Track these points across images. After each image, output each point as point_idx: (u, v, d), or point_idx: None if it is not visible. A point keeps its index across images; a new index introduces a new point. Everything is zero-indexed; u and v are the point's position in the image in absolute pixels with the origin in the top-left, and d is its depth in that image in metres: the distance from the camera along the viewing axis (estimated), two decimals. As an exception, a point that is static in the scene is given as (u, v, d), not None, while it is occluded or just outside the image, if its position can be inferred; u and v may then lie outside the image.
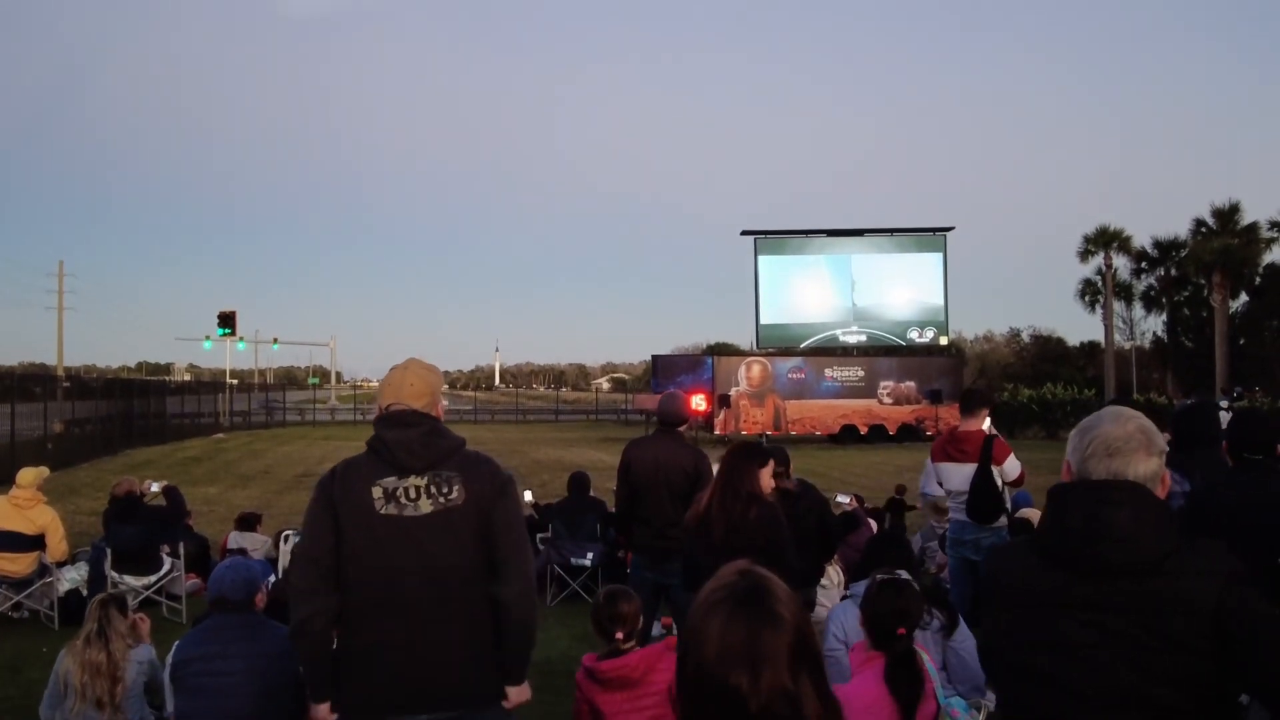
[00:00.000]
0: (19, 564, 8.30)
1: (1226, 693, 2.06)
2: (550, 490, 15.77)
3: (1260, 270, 49.27)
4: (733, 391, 35.68)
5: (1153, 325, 56.73)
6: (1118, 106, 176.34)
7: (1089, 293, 52.12)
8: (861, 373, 37.15)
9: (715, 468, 5.04)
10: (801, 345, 39.29)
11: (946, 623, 4.17)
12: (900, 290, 39.75)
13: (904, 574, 3.74)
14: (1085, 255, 50.67)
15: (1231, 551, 2.14)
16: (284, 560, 8.59)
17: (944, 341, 40.98)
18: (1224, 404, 28.31)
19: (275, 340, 69.48)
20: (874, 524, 10.02)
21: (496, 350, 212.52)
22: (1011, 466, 6.39)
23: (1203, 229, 49.95)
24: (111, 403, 30.60)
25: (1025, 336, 65.20)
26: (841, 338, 39.67)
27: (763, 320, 39.59)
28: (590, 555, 9.29)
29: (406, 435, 3.10)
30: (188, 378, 74.35)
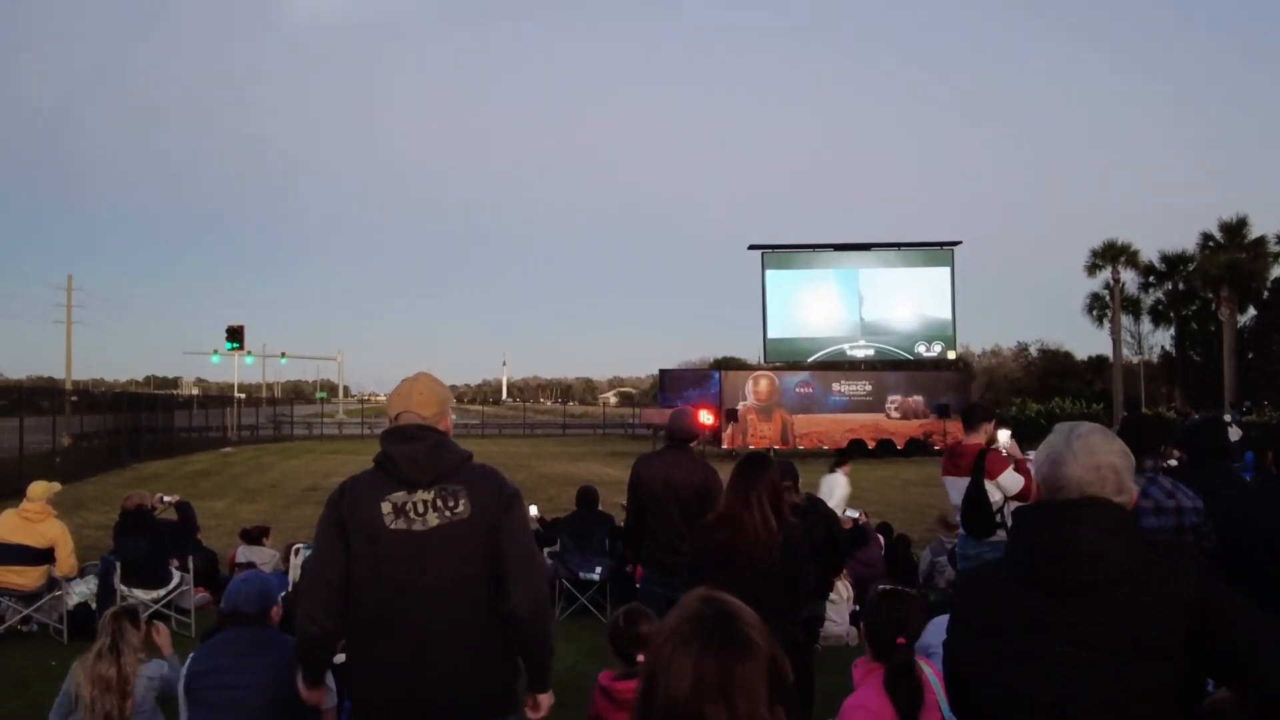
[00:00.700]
0: (28, 577, 8.31)
1: (1200, 687, 2.08)
2: (558, 504, 15.76)
3: (1268, 284, 49.12)
4: (740, 406, 35.67)
5: (1161, 340, 56.67)
6: (1125, 121, 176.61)
7: (1097, 307, 52.03)
8: (869, 387, 37.13)
9: (726, 481, 4.92)
10: (809, 359, 39.27)
11: None
12: (908, 305, 39.75)
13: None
14: (1093, 269, 50.61)
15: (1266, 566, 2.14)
16: (294, 574, 8.59)
17: (952, 356, 40.93)
18: (1229, 418, 28.31)
19: (283, 354, 69.72)
20: (881, 539, 10.02)
21: (504, 364, 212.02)
22: (1008, 481, 6.20)
23: (1210, 243, 49.83)
24: (119, 416, 30.67)
25: (1033, 351, 65.11)
26: (849, 352, 39.65)
27: (770, 334, 39.60)
28: (598, 570, 9.28)
29: (412, 449, 3.11)
30: (196, 392, 74.48)
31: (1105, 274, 50.50)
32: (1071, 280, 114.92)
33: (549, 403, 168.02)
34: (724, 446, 34.73)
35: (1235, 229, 49.11)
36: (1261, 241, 48.28)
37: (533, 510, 10.89)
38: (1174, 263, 52.41)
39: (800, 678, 4.16)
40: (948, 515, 9.08)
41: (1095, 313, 52.24)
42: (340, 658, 4.59)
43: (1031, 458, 6.31)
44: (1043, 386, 54.37)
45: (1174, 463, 5.90)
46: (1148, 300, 54.52)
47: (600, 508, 10.20)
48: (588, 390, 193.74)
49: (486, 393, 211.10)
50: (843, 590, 7.87)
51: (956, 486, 6.66)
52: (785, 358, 39.75)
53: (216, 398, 56.97)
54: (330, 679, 4.15)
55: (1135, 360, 55.50)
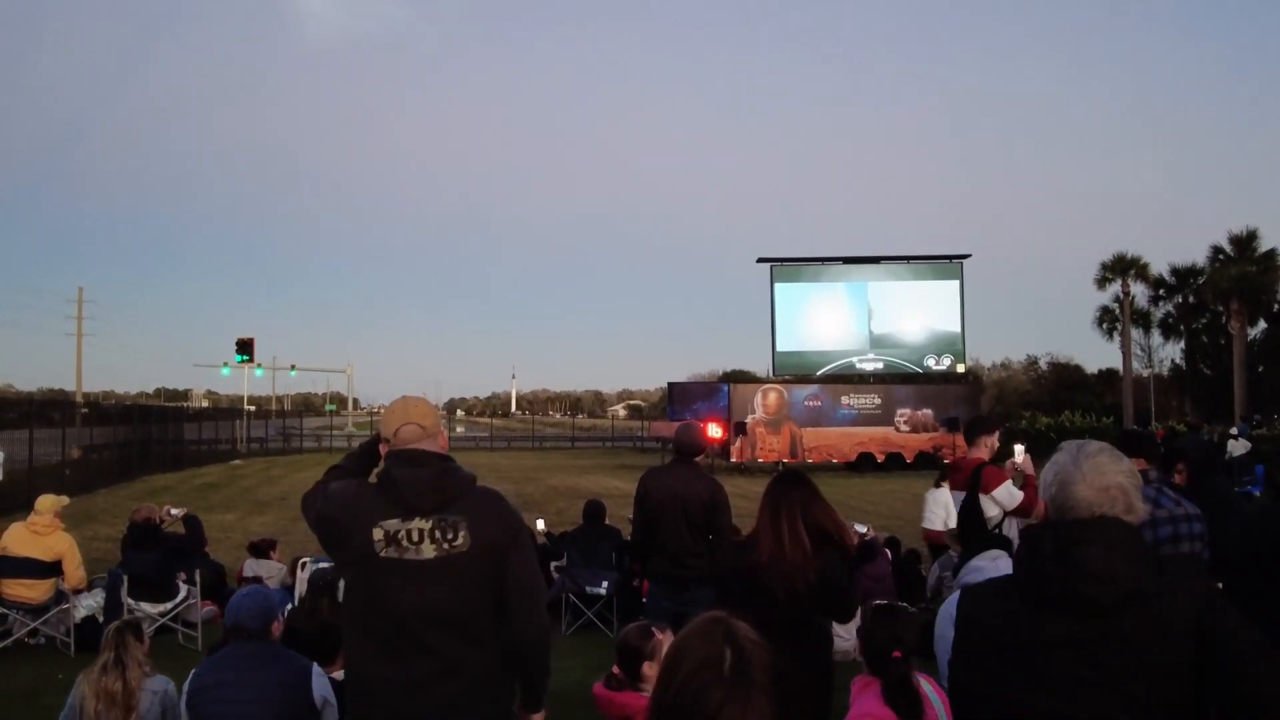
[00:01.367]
0: (36, 590, 8.33)
1: (1205, 709, 2.06)
2: (566, 517, 15.75)
3: (1278, 297, 48.98)
4: (749, 419, 35.63)
5: (1171, 353, 56.44)
6: (1134, 134, 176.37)
7: (1107, 320, 51.87)
8: (878, 400, 37.07)
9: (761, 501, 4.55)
10: (818, 373, 39.22)
11: None
12: (917, 318, 39.69)
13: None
14: (1103, 283, 50.48)
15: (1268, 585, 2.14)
16: (300, 588, 8.60)
17: (961, 369, 40.86)
18: (1237, 431, 28.21)
19: (293, 367, 69.98)
20: (888, 553, 9.98)
21: (513, 377, 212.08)
22: (1004, 495, 6.06)
23: (1220, 256, 49.69)
24: (129, 429, 30.75)
25: (1043, 364, 64.94)
26: (858, 365, 39.59)
27: (779, 347, 39.55)
28: (605, 584, 9.27)
29: (416, 475, 3.04)
30: (205, 404, 74.66)
31: (1115, 287, 50.39)
32: (1081, 293, 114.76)
33: (558, 415, 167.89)
34: (733, 460, 34.71)
35: (1245, 242, 48.97)
36: (1271, 254, 48.13)
37: (540, 524, 10.89)
38: (1184, 276, 52.28)
39: (821, 705, 4.13)
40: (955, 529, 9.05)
41: (1105, 326, 52.11)
42: (339, 674, 4.60)
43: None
44: (1053, 400, 54.23)
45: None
46: (1158, 313, 54.41)
47: (607, 521, 10.20)
48: (597, 403, 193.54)
49: (496, 405, 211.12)
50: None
51: (957, 500, 6.64)
52: (794, 371, 39.71)
53: (226, 410, 57.06)
54: (331, 693, 4.15)
55: (1145, 373, 55.32)
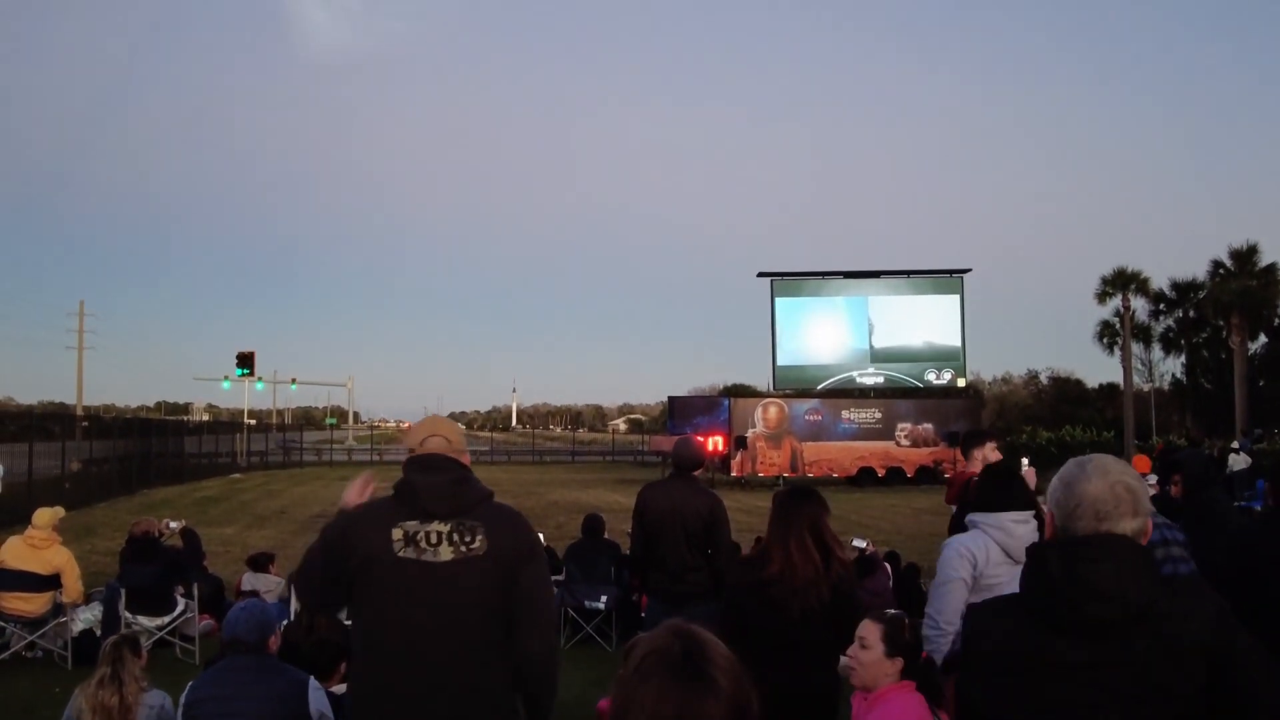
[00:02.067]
0: (33, 604, 8.32)
1: None
2: (566, 532, 15.72)
3: (1279, 312, 49.00)
4: (749, 433, 35.61)
5: (1171, 367, 56.42)
6: (1135, 149, 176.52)
7: (1107, 334, 51.87)
8: (879, 414, 37.05)
9: (767, 511, 4.52)
10: (818, 387, 39.24)
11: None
12: (918, 332, 39.73)
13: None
14: (1103, 297, 50.44)
15: (1259, 604, 2.11)
16: (297, 602, 8.57)
17: (962, 383, 40.87)
18: (1238, 445, 28.18)
19: (294, 380, 70.21)
20: (888, 568, 9.96)
21: (514, 391, 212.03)
22: None
23: (1221, 270, 49.74)
24: (129, 442, 30.76)
25: (1043, 378, 64.96)
26: (859, 379, 39.60)
27: (779, 362, 39.59)
28: (604, 598, 9.25)
29: (434, 480, 3.04)
30: (206, 417, 74.66)
31: (1115, 301, 50.34)
32: (1082, 308, 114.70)
33: (559, 429, 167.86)
34: (733, 474, 34.68)
35: (1246, 256, 49.01)
36: (1272, 269, 48.17)
37: (540, 539, 10.86)
38: (1184, 290, 52.33)
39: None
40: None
41: (1106, 340, 52.11)
42: (340, 688, 4.58)
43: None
44: (1054, 414, 54.21)
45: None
46: (1158, 328, 54.44)
47: (607, 536, 10.18)
48: (597, 417, 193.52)
49: (496, 419, 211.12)
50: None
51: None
52: (795, 385, 39.72)
53: (226, 423, 57.06)
54: (328, 708, 4.13)
55: (1146, 388, 55.30)
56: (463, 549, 2.98)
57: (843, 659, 3.81)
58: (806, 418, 36.57)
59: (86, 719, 4.55)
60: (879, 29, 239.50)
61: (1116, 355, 51.62)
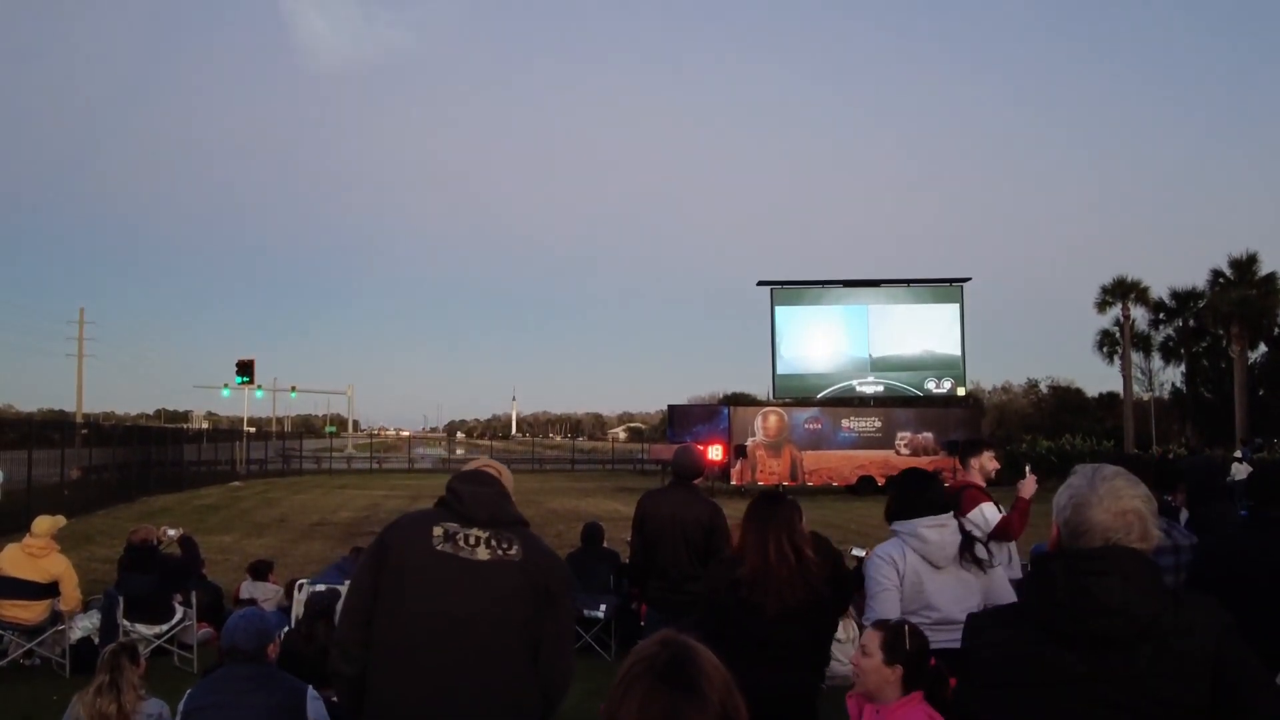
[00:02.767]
0: (31, 612, 8.30)
1: None
2: (565, 540, 15.70)
3: (1278, 321, 49.02)
4: (749, 442, 35.57)
5: (1171, 376, 56.50)
6: (1134, 158, 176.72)
7: (1107, 344, 51.95)
8: (879, 423, 37.00)
9: (743, 521, 4.61)
10: (818, 395, 39.22)
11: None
12: (917, 341, 39.70)
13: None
14: (1103, 306, 50.54)
15: (1238, 610, 2.09)
16: (297, 609, 8.56)
17: (962, 392, 40.84)
18: (1238, 455, 28.13)
19: (293, 388, 70.19)
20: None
21: (514, 399, 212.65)
22: (978, 518, 5.96)
23: (1220, 280, 49.80)
24: (129, 450, 30.71)
25: (1043, 387, 65.03)
26: (858, 388, 39.57)
27: (779, 370, 39.57)
28: (603, 607, 9.23)
29: (479, 490, 3.18)
30: (205, 425, 74.61)
31: (1115, 310, 50.45)
32: (1082, 317, 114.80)
33: (558, 438, 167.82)
34: (733, 483, 34.63)
35: (1245, 265, 49.08)
36: (1272, 278, 48.23)
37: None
38: (1184, 299, 52.40)
39: None
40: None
41: (1106, 349, 52.20)
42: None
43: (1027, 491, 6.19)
44: (1054, 423, 54.19)
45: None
46: (1158, 337, 54.54)
47: (606, 544, 10.16)
48: (597, 425, 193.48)
49: (496, 427, 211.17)
50: (849, 629, 7.80)
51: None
52: (794, 394, 39.70)
53: (226, 431, 57.03)
54: (326, 716, 4.12)
55: (1146, 397, 55.34)
56: (499, 553, 3.07)
57: (841, 663, 3.84)
58: (806, 426, 36.53)
59: (84, 727, 4.54)
60: (879, 38, 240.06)
61: (1116, 364, 51.76)
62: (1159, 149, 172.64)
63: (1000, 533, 5.91)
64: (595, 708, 4.16)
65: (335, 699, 4.56)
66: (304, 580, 8.98)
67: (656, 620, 6.23)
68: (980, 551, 4.52)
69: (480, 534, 3.08)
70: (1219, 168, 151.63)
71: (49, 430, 27.64)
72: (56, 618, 8.44)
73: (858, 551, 9.23)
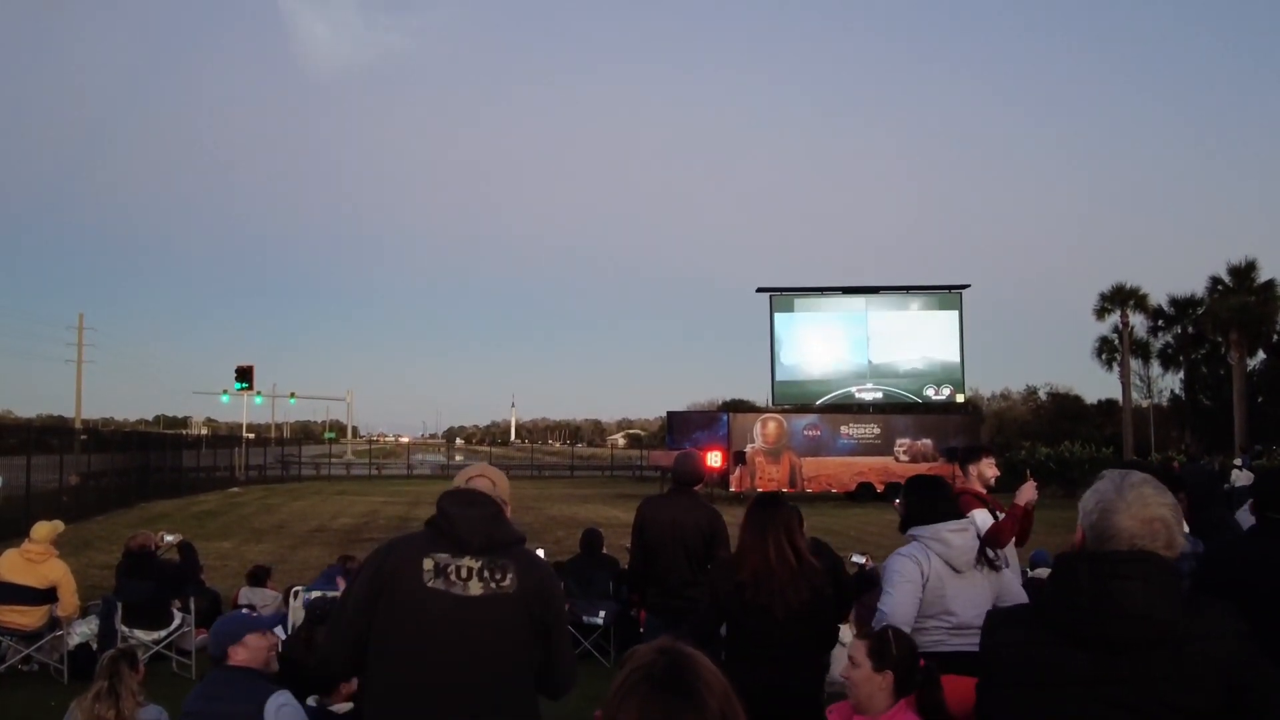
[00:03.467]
0: (29, 617, 8.29)
1: None
2: (564, 547, 15.68)
3: (1278, 328, 49.02)
4: (748, 448, 35.53)
5: (1170, 383, 56.46)
6: (1133, 165, 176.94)
7: (1106, 351, 51.96)
8: (878, 430, 36.98)
9: (742, 523, 4.69)
10: (817, 402, 39.22)
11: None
12: (916, 348, 39.72)
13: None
14: (1102, 313, 50.56)
15: (1245, 616, 2.10)
16: (294, 616, 8.56)
17: (961, 399, 40.84)
18: (1239, 462, 28.13)
19: (292, 395, 69.94)
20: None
21: (513, 405, 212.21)
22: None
23: (1219, 287, 49.80)
24: (128, 456, 30.70)
25: (1042, 394, 64.87)
26: (857, 395, 39.58)
27: (778, 377, 39.58)
28: (602, 614, 9.22)
29: (470, 513, 3.05)
30: (205, 431, 74.54)
31: (1114, 318, 50.48)
32: (1080, 324, 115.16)
33: (557, 444, 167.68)
34: (732, 489, 34.60)
35: (1244, 272, 49.09)
36: (1271, 285, 48.24)
37: (539, 554, 10.83)
38: (1183, 306, 52.41)
39: None
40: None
41: (1104, 356, 52.19)
42: (343, 706, 4.56)
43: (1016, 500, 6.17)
44: (1052, 430, 54.09)
45: None
46: (1157, 344, 54.52)
47: (605, 551, 10.15)
48: (596, 432, 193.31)
49: (495, 434, 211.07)
50: (848, 635, 7.78)
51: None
52: (794, 400, 39.71)
53: (225, 437, 57.00)
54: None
55: (1145, 404, 55.31)
56: (492, 585, 2.97)
57: (838, 673, 3.85)
58: (805, 433, 36.50)
59: (82, 733, 4.53)
60: (880, 43, 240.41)
61: (1115, 371, 51.77)
62: (1158, 156, 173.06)
63: (990, 539, 5.91)
64: (592, 713, 4.16)
65: (331, 707, 4.56)
66: (299, 587, 8.99)
67: (656, 627, 6.22)
68: (991, 554, 4.54)
69: (472, 564, 2.96)
70: (1218, 175, 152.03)
71: (48, 436, 27.68)
72: (55, 623, 8.43)
73: (858, 558, 9.24)
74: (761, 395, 48.03)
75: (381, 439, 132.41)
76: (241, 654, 4.30)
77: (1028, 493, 6.18)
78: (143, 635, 8.43)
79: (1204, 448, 44.57)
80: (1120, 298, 49.87)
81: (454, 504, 3.09)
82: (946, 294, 40.26)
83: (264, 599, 9.93)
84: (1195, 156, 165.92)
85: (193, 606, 8.96)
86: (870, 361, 39.68)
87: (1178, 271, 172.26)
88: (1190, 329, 52.58)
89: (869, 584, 9.00)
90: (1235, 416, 45.42)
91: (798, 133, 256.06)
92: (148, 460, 32.60)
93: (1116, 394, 53.80)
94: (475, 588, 2.95)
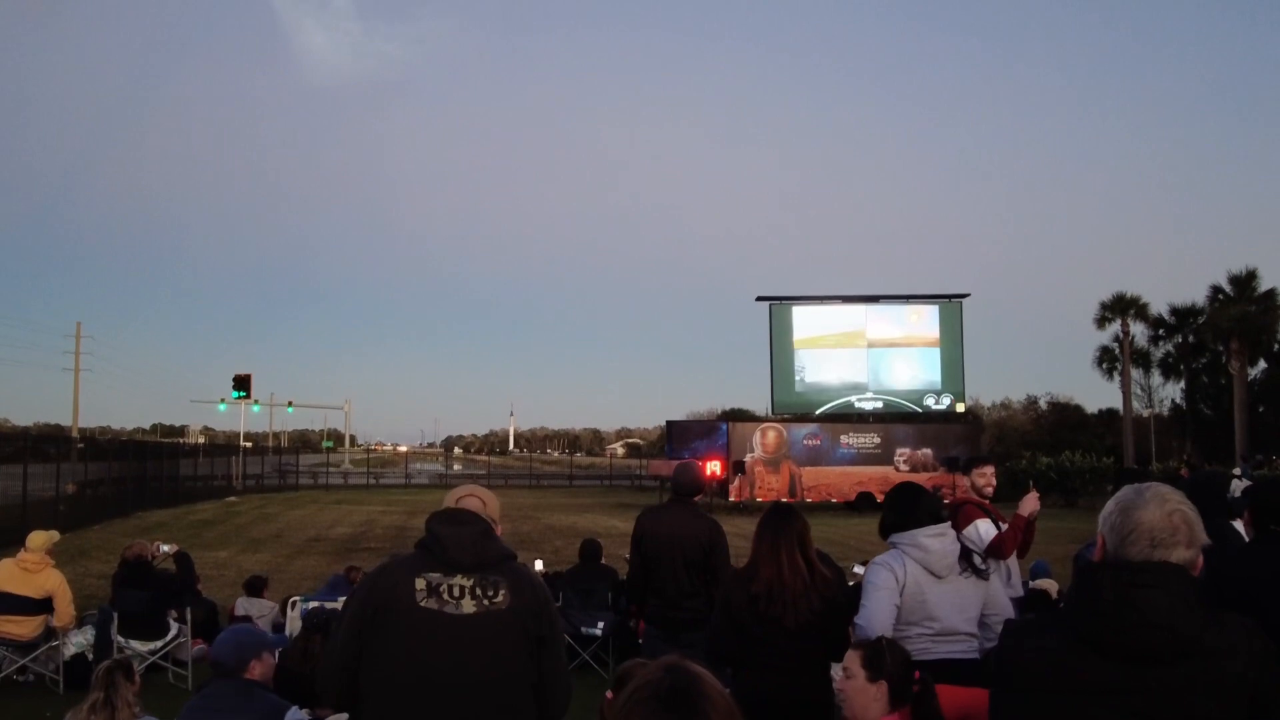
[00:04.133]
0: (25, 627, 8.24)
1: None
2: (563, 557, 15.66)
3: (1278, 337, 49.07)
4: (748, 458, 35.50)
5: (1171, 393, 56.58)
6: (1133, 174, 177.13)
7: (1106, 360, 51.99)
8: (878, 439, 36.95)
9: (755, 534, 4.64)
10: (817, 411, 39.20)
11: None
12: (916, 357, 39.71)
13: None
14: (1102, 322, 50.61)
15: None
16: (291, 626, 8.52)
17: (961, 408, 40.81)
18: (1237, 471, 28.10)
19: (290, 403, 69.95)
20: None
21: (511, 414, 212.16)
22: (972, 534, 5.84)
23: (1220, 296, 49.90)
24: (125, 464, 30.63)
25: (1043, 404, 64.98)
26: (857, 404, 39.56)
27: (777, 386, 39.54)
28: (601, 625, 9.17)
29: (459, 532, 3.04)
30: (202, 440, 74.50)
31: (1115, 327, 50.54)
32: (1081, 333, 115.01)
33: (556, 453, 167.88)
34: (731, 499, 34.55)
35: (1244, 282, 49.17)
36: (1271, 294, 48.31)
37: (537, 565, 10.80)
38: (1183, 315, 52.49)
39: None
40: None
41: (1105, 366, 52.23)
42: (339, 717, 4.51)
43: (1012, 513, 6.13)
44: (1053, 439, 54.13)
45: None
46: (1157, 353, 54.60)
47: (604, 561, 10.10)
48: (595, 441, 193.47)
49: (494, 443, 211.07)
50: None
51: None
52: (793, 410, 39.68)
53: (222, 446, 56.98)
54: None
55: (1145, 413, 55.38)
56: (485, 603, 2.96)
57: (837, 685, 3.82)
58: (805, 442, 36.47)
59: (77, 745, 4.48)
60: (878, 52, 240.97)
61: (1116, 381, 51.79)
62: (1158, 165, 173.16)
63: (994, 550, 5.86)
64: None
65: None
66: (297, 597, 8.94)
67: (655, 637, 6.18)
68: (978, 560, 4.51)
69: (464, 583, 2.96)
70: (1218, 184, 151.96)
71: (45, 445, 27.58)
72: (50, 633, 8.39)
73: (858, 569, 9.18)
74: (761, 404, 48.09)
75: (379, 448, 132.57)
76: (259, 668, 4.28)
77: (1030, 503, 6.14)
78: (139, 645, 8.39)
79: (1204, 457, 44.54)
80: (1121, 307, 49.93)
81: (443, 524, 3.08)
82: (946, 303, 40.26)
83: (261, 609, 9.89)
84: (1196, 165, 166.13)
85: (189, 617, 8.92)
86: (870, 371, 39.66)
87: (1178, 281, 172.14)
88: (1191, 338, 52.66)
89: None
90: (1236, 426, 45.45)
91: (798, 141, 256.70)
92: (145, 469, 32.53)
93: (1117, 403, 53.91)
94: (468, 606, 2.94)
